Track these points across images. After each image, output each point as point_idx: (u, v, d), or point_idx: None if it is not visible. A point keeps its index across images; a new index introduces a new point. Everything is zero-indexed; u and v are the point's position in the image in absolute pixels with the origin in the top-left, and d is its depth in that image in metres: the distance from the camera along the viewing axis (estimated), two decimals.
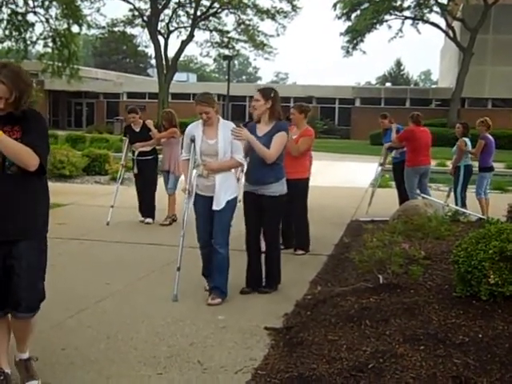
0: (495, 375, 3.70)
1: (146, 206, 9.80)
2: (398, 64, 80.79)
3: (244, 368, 4.12)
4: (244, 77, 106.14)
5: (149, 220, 9.73)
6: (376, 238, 5.84)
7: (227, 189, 5.61)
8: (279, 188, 5.88)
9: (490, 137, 10.77)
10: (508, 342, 4.03)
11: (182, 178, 6.22)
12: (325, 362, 4.00)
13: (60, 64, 34.04)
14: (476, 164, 10.89)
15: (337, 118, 45.58)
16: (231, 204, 5.65)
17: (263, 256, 6.11)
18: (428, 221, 7.58)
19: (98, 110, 48.07)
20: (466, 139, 10.70)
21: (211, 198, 5.58)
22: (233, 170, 5.86)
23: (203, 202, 5.65)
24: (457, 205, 10.15)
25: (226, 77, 36.37)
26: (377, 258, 5.47)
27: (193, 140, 5.66)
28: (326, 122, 42.84)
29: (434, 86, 63.39)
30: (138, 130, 9.75)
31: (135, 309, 5.40)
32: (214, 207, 5.55)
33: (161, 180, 10.16)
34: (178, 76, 47.12)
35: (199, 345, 4.57)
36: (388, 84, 66.04)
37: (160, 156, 10.14)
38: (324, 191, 12.12)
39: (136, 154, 9.75)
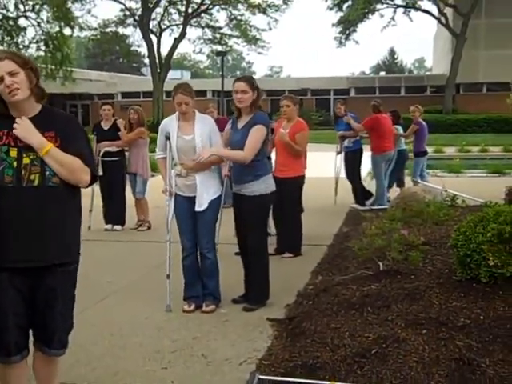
0: (497, 356, 3.72)
1: (114, 212, 9.11)
2: (392, 53, 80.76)
3: (248, 359, 4.15)
4: (238, 72, 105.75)
5: (117, 227, 9.07)
6: (375, 226, 5.88)
7: (209, 188, 5.20)
8: (260, 186, 5.25)
9: (423, 122, 11.35)
10: (509, 323, 4.05)
11: (157, 178, 5.74)
12: (328, 350, 4.02)
13: (53, 67, 34.08)
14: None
15: (332, 109, 45.47)
16: (215, 204, 5.26)
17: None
18: (426, 207, 7.60)
19: (93, 111, 47.83)
20: (398, 126, 11.19)
21: (193, 198, 5.18)
22: (213, 167, 5.30)
23: (184, 203, 5.24)
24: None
25: (220, 73, 36.31)
26: (376, 245, 5.50)
27: (168, 137, 5.23)
28: (321, 113, 42.80)
29: (428, 73, 63.28)
30: (106, 128, 9.05)
31: (138, 305, 5.42)
32: (197, 208, 5.15)
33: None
34: (172, 74, 47.04)
35: (203, 339, 4.59)
36: (382, 73, 65.91)
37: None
38: (320, 182, 12.13)
39: (101, 154, 8.92)
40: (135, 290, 6.00)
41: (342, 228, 8.55)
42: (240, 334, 4.68)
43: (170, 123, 5.31)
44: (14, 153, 2.95)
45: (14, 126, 2.95)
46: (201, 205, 5.16)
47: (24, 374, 3.24)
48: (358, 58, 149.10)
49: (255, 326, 4.80)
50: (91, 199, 8.98)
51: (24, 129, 2.95)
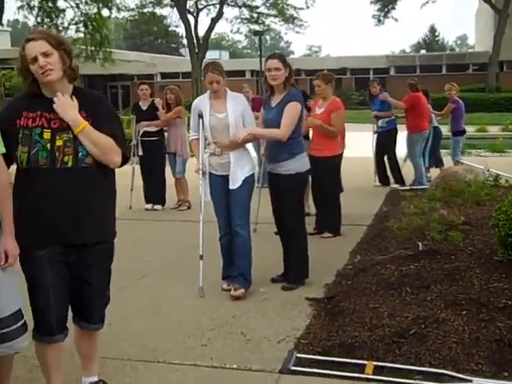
0: None
1: (154, 192, 9.16)
2: (433, 30, 79.06)
3: (286, 338, 4.16)
4: (276, 52, 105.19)
5: (158, 206, 9.14)
6: (414, 205, 5.82)
7: (244, 165, 5.16)
8: (296, 165, 5.22)
9: (460, 101, 11.08)
10: None
11: (192, 160, 5.72)
12: (366, 330, 4.02)
13: (93, 48, 34.33)
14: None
15: None
16: (249, 181, 5.20)
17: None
18: (467, 186, 7.48)
19: (134, 92, 48.10)
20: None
21: (227, 177, 5.14)
22: (248, 146, 5.34)
23: (219, 182, 5.21)
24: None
25: (258, 53, 36.15)
26: (415, 225, 5.44)
27: (201, 115, 5.20)
28: (361, 93, 42.33)
29: (470, 51, 61.92)
30: (144, 108, 9.10)
31: (176, 284, 5.49)
32: (231, 186, 5.11)
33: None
34: (211, 54, 46.97)
35: (241, 317, 4.63)
36: (423, 51, 64.71)
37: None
38: (361, 161, 12.04)
39: (140, 134, 9.01)
40: (174, 269, 6.06)
41: (381, 208, 8.49)
42: (279, 312, 4.70)
43: (202, 101, 5.29)
44: (47, 135, 2.98)
45: (54, 99, 2.98)
46: (235, 182, 5.13)
47: (62, 354, 3.30)
48: (397, 36, 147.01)
49: (294, 305, 4.82)
50: (132, 179, 9.11)
51: (63, 104, 2.99)
